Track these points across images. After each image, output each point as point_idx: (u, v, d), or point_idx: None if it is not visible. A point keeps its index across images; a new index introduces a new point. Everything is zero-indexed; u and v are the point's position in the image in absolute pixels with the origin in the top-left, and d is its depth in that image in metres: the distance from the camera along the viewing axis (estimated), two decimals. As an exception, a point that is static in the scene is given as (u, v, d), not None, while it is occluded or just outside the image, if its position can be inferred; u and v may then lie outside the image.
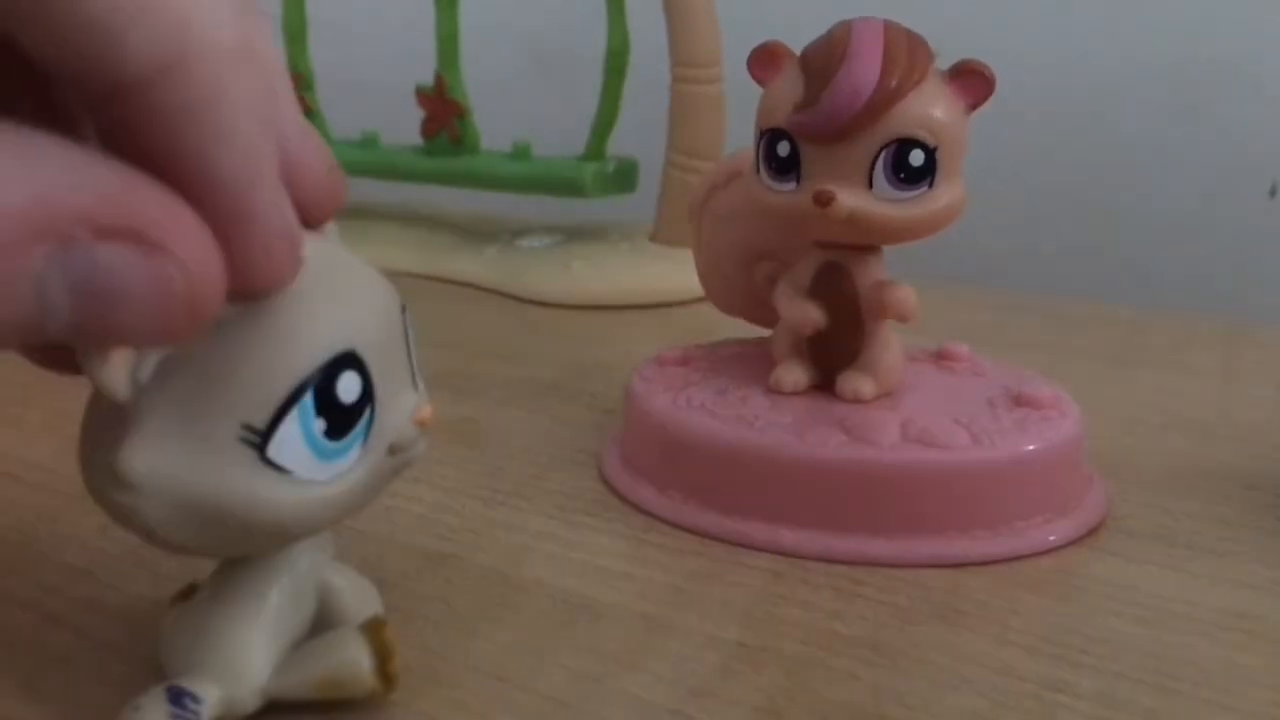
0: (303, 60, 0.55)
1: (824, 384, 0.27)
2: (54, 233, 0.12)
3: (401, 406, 0.17)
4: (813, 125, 0.24)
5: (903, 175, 0.24)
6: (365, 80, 0.67)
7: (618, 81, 0.49)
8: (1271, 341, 0.43)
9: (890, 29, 0.24)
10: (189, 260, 0.13)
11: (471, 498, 0.27)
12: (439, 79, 0.52)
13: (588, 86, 0.50)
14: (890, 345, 0.26)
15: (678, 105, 0.47)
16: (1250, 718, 0.19)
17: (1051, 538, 0.24)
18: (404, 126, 0.54)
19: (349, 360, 0.16)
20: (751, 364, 0.28)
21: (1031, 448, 0.24)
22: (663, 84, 0.47)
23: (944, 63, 0.24)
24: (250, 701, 0.17)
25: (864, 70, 0.23)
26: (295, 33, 0.55)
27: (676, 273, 0.45)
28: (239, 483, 0.15)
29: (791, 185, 0.25)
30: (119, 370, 0.14)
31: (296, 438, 0.15)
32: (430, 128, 0.53)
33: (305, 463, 0.16)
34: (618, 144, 0.51)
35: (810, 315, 0.26)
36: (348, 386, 0.16)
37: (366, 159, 0.54)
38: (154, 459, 0.15)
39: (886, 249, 0.26)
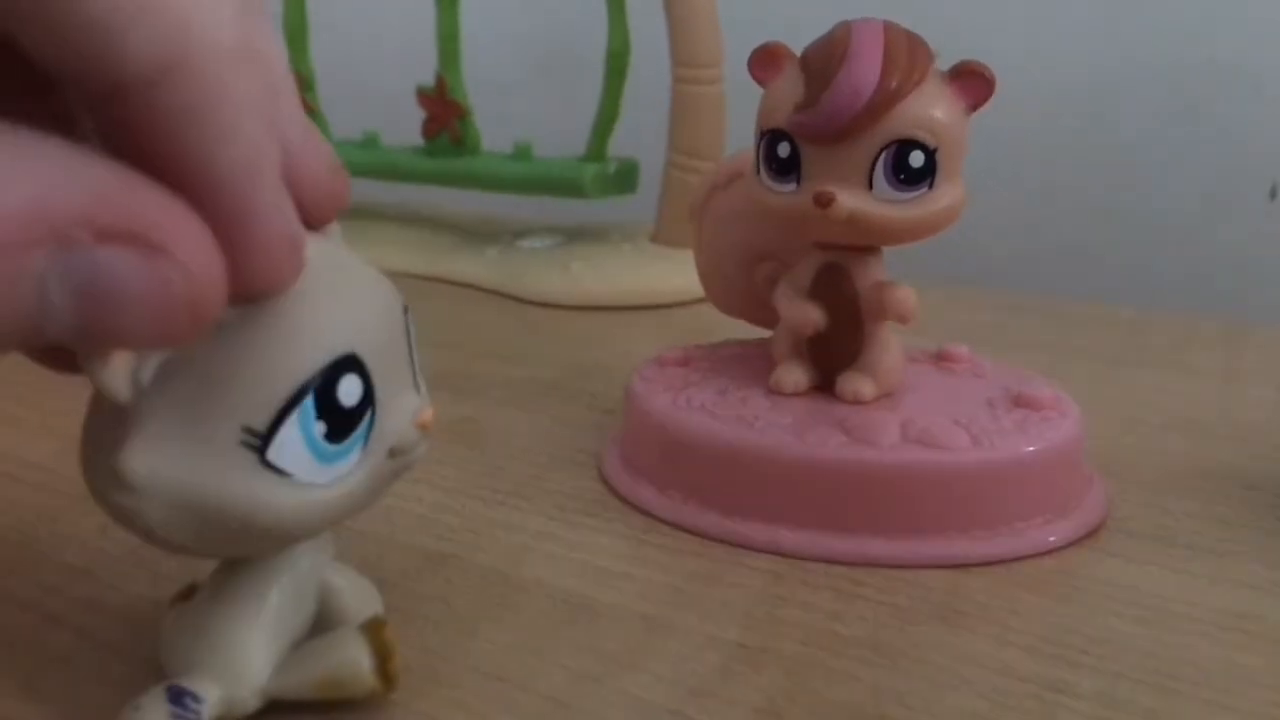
0: (303, 61, 0.55)
1: (824, 385, 0.27)
2: (55, 235, 0.12)
3: (403, 409, 0.17)
4: (813, 126, 0.24)
5: (903, 176, 0.24)
6: (366, 81, 0.67)
7: (618, 82, 0.49)
8: (1271, 342, 0.43)
9: (890, 30, 0.24)
10: (190, 262, 0.13)
11: (472, 498, 0.27)
12: (440, 79, 0.52)
13: (588, 87, 0.50)
14: (890, 346, 0.26)
15: (678, 106, 0.47)
16: (1250, 718, 0.19)
17: (1051, 538, 0.24)
18: (405, 127, 0.54)
19: (350, 363, 0.16)
20: (752, 365, 0.28)
21: (1031, 448, 0.24)
22: (663, 85, 0.47)
23: (944, 63, 0.24)
24: (250, 701, 0.17)
25: (864, 71, 0.23)
26: (296, 33, 0.55)
27: (677, 273, 0.46)
28: (239, 485, 0.15)
29: (792, 186, 0.25)
30: (120, 372, 0.14)
31: (297, 441, 0.15)
32: (431, 128, 0.53)
33: (305, 466, 0.16)
34: (618, 145, 0.51)
35: (810, 316, 0.26)
36: (349, 390, 0.16)
37: (367, 159, 0.54)
38: (154, 461, 0.15)
39: (886, 250, 0.26)
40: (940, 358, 0.29)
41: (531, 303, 0.48)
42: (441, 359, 0.38)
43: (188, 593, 0.18)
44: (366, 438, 0.16)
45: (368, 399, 0.16)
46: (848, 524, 0.24)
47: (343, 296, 0.16)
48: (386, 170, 0.54)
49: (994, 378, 0.28)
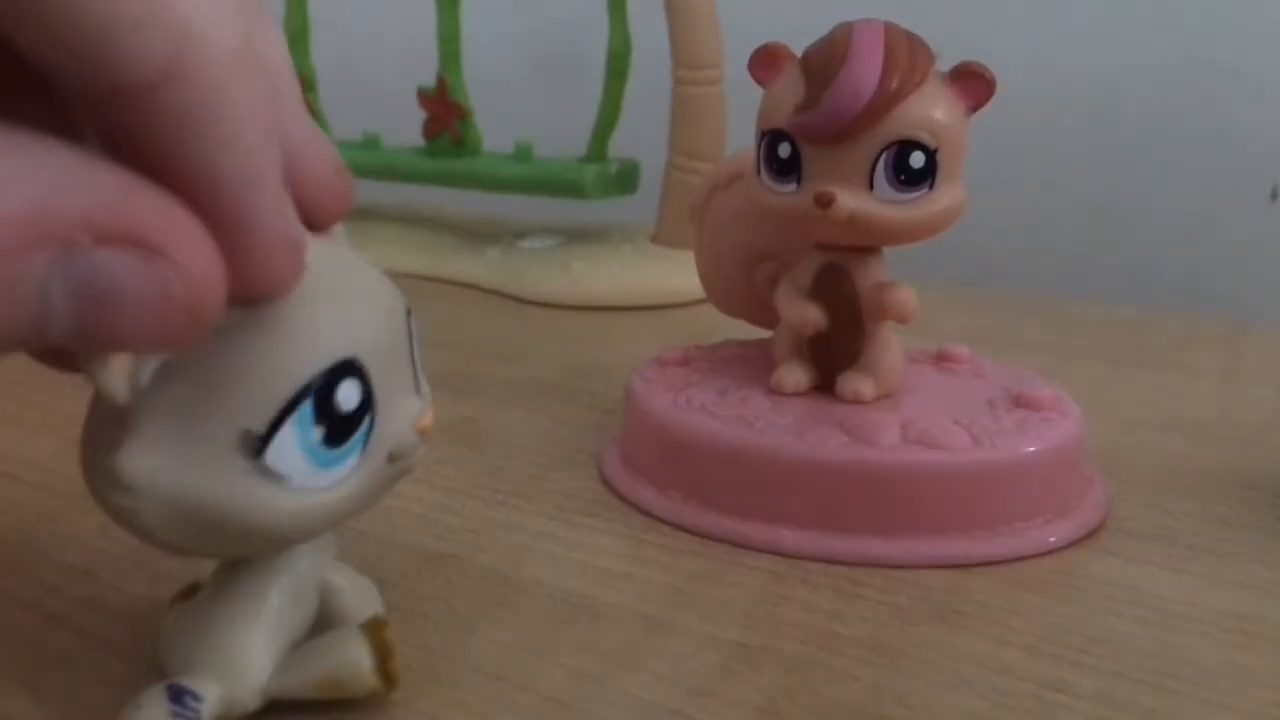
0: (305, 62, 0.55)
1: (824, 385, 0.27)
2: (56, 238, 0.12)
3: (403, 413, 0.17)
4: (814, 126, 0.24)
5: (903, 177, 0.24)
6: (367, 81, 0.67)
7: (619, 83, 0.49)
8: (1271, 342, 0.43)
9: (891, 31, 0.24)
10: (189, 265, 0.13)
11: (472, 498, 0.27)
12: (441, 80, 0.52)
13: (589, 88, 0.50)
14: (890, 346, 0.26)
15: (679, 107, 0.47)
16: (1250, 718, 0.19)
17: (1052, 538, 0.24)
18: (406, 128, 0.54)
19: (349, 368, 0.16)
20: (752, 365, 0.28)
21: (1032, 448, 0.24)
22: (664, 85, 0.47)
23: (945, 64, 0.24)
24: (250, 701, 0.17)
25: (865, 72, 0.23)
26: (297, 34, 0.55)
27: (677, 274, 0.46)
28: (235, 489, 0.15)
29: (792, 186, 0.25)
30: (118, 373, 0.14)
31: (293, 445, 0.15)
32: (432, 129, 0.53)
33: (302, 470, 0.15)
34: (619, 145, 0.51)
35: (811, 316, 0.26)
36: (347, 395, 0.16)
37: (368, 160, 0.54)
38: (151, 463, 0.15)
39: (887, 250, 0.26)
40: (941, 358, 0.29)
41: (532, 303, 0.48)
42: (442, 359, 0.38)
43: (188, 592, 0.18)
44: (365, 442, 0.16)
45: (367, 403, 0.16)
46: (848, 524, 0.24)
47: (343, 300, 0.16)
48: (387, 171, 0.54)
49: (994, 378, 0.28)
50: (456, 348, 0.40)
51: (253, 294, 0.14)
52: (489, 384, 0.36)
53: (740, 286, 0.31)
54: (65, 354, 0.15)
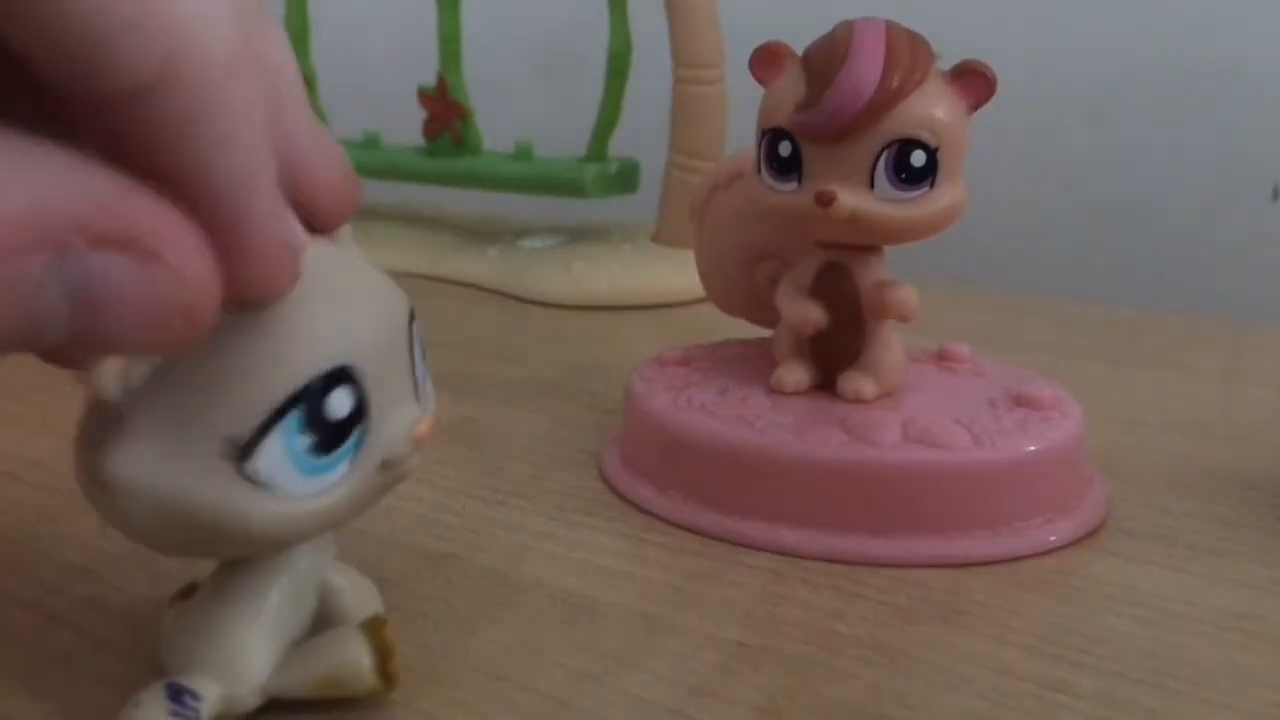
0: (305, 62, 0.55)
1: (825, 384, 0.27)
2: (52, 240, 0.12)
3: (399, 420, 0.17)
4: (814, 125, 0.24)
5: (904, 175, 0.24)
6: (367, 81, 0.67)
7: (620, 82, 0.49)
8: (1272, 342, 0.43)
9: (892, 29, 0.24)
10: (184, 269, 0.13)
11: (472, 497, 0.27)
12: (441, 80, 0.52)
13: (590, 87, 0.50)
14: (891, 345, 0.26)
15: (679, 106, 0.47)
16: (1251, 718, 0.19)
17: (1052, 538, 0.24)
18: (406, 127, 0.54)
19: (342, 376, 0.15)
20: (752, 364, 0.28)
21: (1032, 448, 0.24)
22: (665, 85, 0.47)
23: (945, 63, 0.24)
24: (250, 700, 0.17)
25: (866, 70, 0.23)
26: (298, 34, 0.55)
27: (678, 273, 0.46)
28: (219, 494, 0.15)
29: (793, 185, 0.25)
30: (111, 372, 0.14)
31: (279, 453, 0.15)
32: (432, 128, 0.53)
33: (287, 477, 0.15)
34: (619, 145, 0.51)
35: (811, 315, 0.26)
36: (339, 403, 0.15)
37: (368, 159, 0.54)
38: (136, 464, 0.15)
39: (888, 249, 0.26)
40: (941, 357, 0.29)
41: (532, 302, 0.48)
42: (442, 359, 0.37)
43: (188, 591, 0.18)
44: (357, 450, 0.16)
45: (360, 412, 0.16)
46: (848, 523, 0.24)
47: (340, 306, 0.16)
48: (388, 170, 0.54)
49: (995, 377, 0.28)
50: (456, 347, 0.40)
51: (247, 298, 0.14)
52: (489, 383, 0.36)
53: (741, 286, 0.31)
54: (64, 351, 0.15)
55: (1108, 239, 0.60)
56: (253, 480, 0.15)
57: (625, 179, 0.51)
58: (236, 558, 0.17)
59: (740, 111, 0.42)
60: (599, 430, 0.31)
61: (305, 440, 0.15)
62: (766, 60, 0.25)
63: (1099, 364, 0.40)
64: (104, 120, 0.12)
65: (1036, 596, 0.22)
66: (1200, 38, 0.56)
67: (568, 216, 0.55)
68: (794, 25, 0.29)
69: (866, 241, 0.26)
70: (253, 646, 0.17)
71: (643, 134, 0.50)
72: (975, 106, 0.24)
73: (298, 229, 0.15)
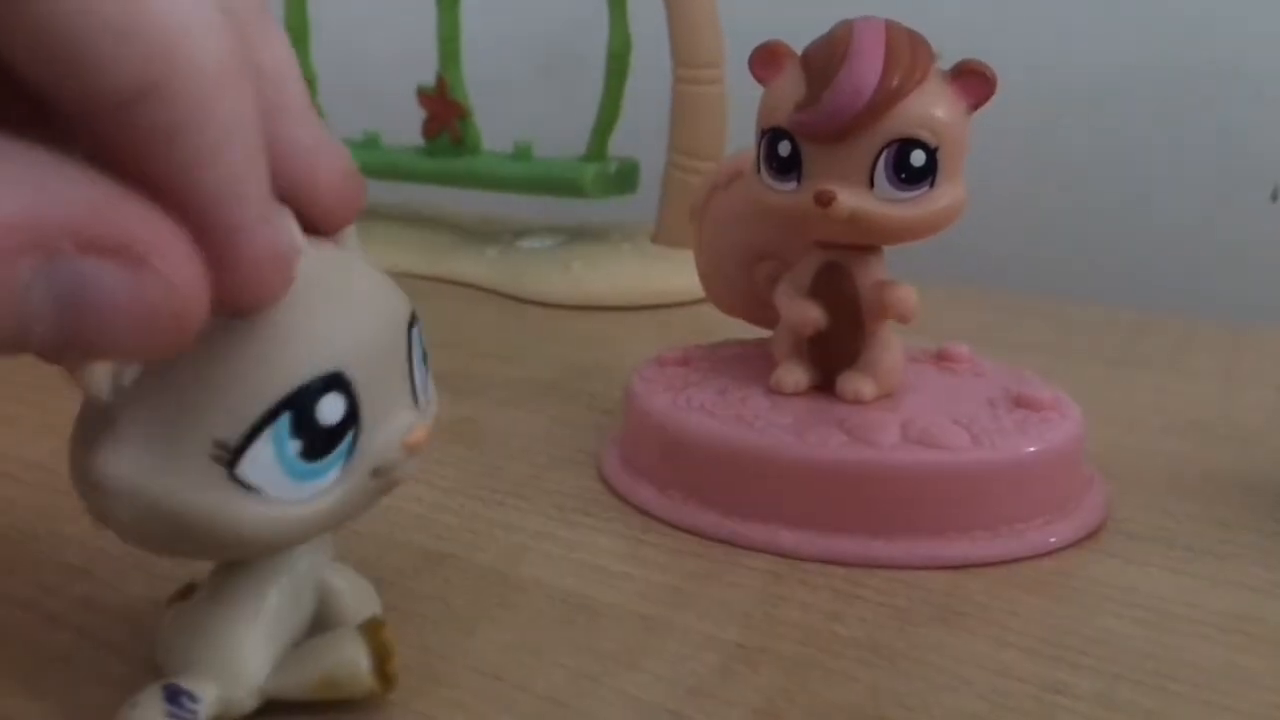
0: (305, 62, 0.55)
1: (824, 384, 0.27)
2: (41, 245, 0.12)
3: (394, 426, 0.17)
4: (814, 124, 0.24)
5: (904, 175, 0.24)
6: (367, 81, 0.67)
7: (619, 82, 0.49)
8: (1271, 344, 0.43)
9: (892, 29, 0.24)
10: (172, 275, 0.13)
11: (470, 497, 0.27)
12: (440, 79, 0.52)
13: (589, 87, 0.50)
14: (891, 346, 0.26)
15: (679, 106, 0.47)
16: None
17: (1051, 539, 0.24)
18: (405, 127, 0.54)
19: (333, 382, 0.15)
20: (752, 364, 0.28)
21: (1032, 449, 0.24)
22: (664, 85, 0.47)
23: (945, 63, 0.24)
24: (247, 701, 0.17)
25: (865, 70, 0.23)
26: (297, 34, 0.55)
27: (677, 273, 0.46)
28: (207, 497, 0.15)
29: (792, 185, 0.25)
30: (101, 372, 0.14)
31: (269, 457, 0.15)
32: (432, 128, 0.53)
33: (277, 482, 0.15)
34: (619, 144, 0.51)
35: (811, 315, 0.26)
36: (330, 409, 0.15)
37: (368, 159, 0.54)
38: (125, 465, 0.15)
39: (887, 249, 0.26)
40: (941, 358, 0.29)
41: (531, 303, 0.48)
42: (441, 359, 0.37)
43: (186, 592, 0.18)
44: (349, 456, 0.16)
45: (352, 417, 0.16)
46: (847, 524, 0.24)
47: (334, 311, 0.16)
48: (387, 170, 0.54)
49: (994, 378, 0.28)
50: (456, 347, 0.40)
51: (238, 304, 0.14)
52: (488, 384, 0.36)
53: (740, 286, 0.31)
54: (53, 352, 0.16)
55: (1107, 239, 0.60)
56: (242, 483, 0.15)
57: (625, 179, 0.51)
58: (238, 559, 0.17)
59: (740, 111, 0.42)
60: (598, 430, 0.31)
61: (296, 445, 0.15)
62: (766, 60, 0.25)
63: (1099, 365, 0.40)
64: (92, 127, 0.12)
65: (1036, 598, 0.22)
66: (1200, 38, 0.56)
67: (567, 216, 0.54)
68: (793, 25, 0.29)
69: (866, 241, 0.26)
70: (250, 648, 0.17)
71: (642, 134, 0.50)
72: (975, 106, 0.24)
73: (294, 233, 0.15)
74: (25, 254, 0.12)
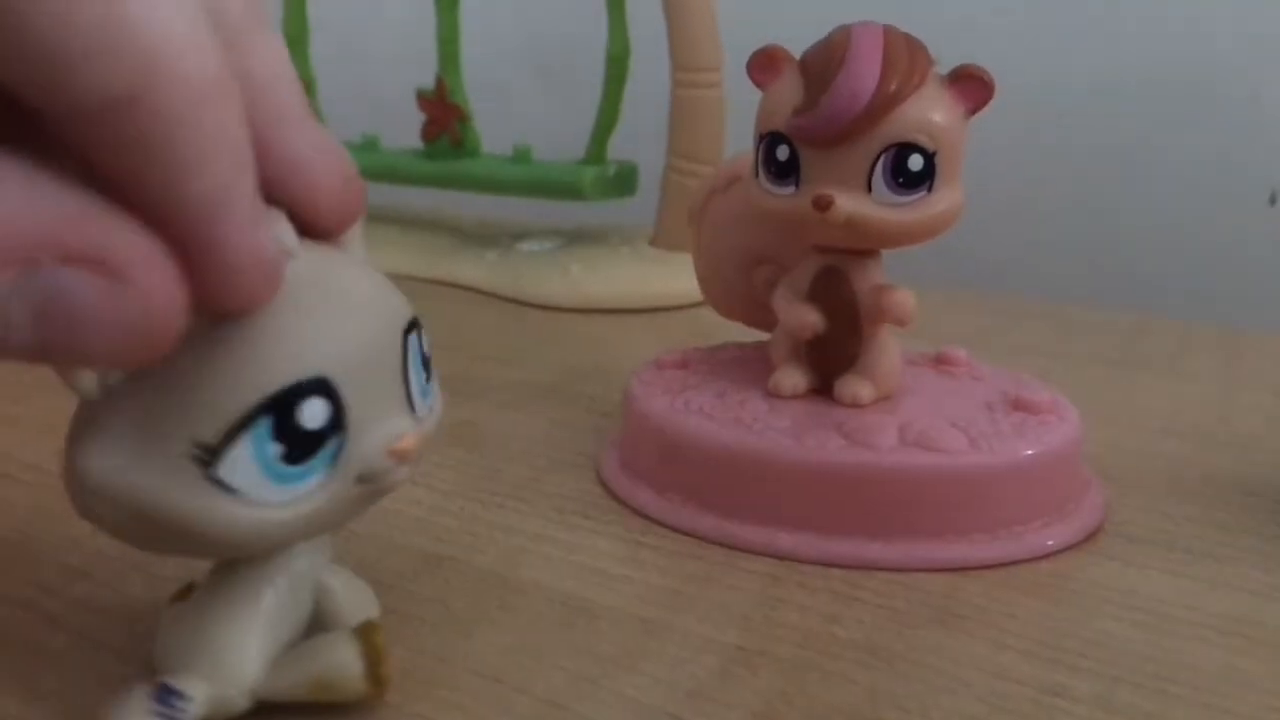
0: (304, 64, 0.55)
1: (822, 388, 0.27)
2: (19, 256, 0.12)
3: (383, 434, 0.16)
4: (812, 129, 0.24)
5: (901, 179, 0.24)
6: (366, 84, 0.67)
7: (618, 86, 0.49)
8: (1270, 348, 0.43)
9: (889, 33, 0.24)
10: (149, 288, 0.13)
11: (469, 500, 0.27)
12: (440, 82, 0.52)
13: (588, 90, 0.50)
14: (888, 349, 0.26)
15: (678, 109, 0.47)
16: (1248, 722, 0.19)
17: (1050, 542, 0.24)
18: (404, 130, 0.54)
19: (317, 386, 0.15)
20: (750, 367, 0.28)
21: (1030, 452, 0.24)
22: (663, 88, 0.47)
23: (943, 67, 0.24)
24: (239, 701, 0.17)
25: (863, 74, 0.23)
26: (296, 37, 0.55)
27: (676, 277, 0.46)
28: (186, 497, 0.15)
29: (790, 189, 0.25)
30: (87, 371, 0.14)
31: (248, 459, 0.15)
32: (431, 131, 0.53)
33: (256, 484, 0.15)
34: (618, 148, 0.51)
35: (809, 319, 0.26)
36: (312, 413, 0.15)
37: (367, 162, 0.54)
38: (107, 463, 0.15)
39: (885, 253, 0.26)
40: (939, 361, 0.29)
41: (530, 305, 0.48)
42: (440, 361, 0.37)
43: (186, 592, 0.18)
44: (334, 461, 0.16)
45: (336, 423, 0.16)
46: (846, 527, 0.24)
47: (322, 316, 0.16)
48: (386, 173, 0.54)
49: (992, 381, 0.28)
50: (455, 350, 0.40)
51: (221, 310, 0.14)
52: (487, 386, 0.36)
53: (738, 289, 0.31)
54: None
55: (1106, 242, 0.60)
56: (221, 484, 0.15)
57: (623, 182, 0.51)
58: (226, 559, 0.17)
59: (738, 115, 0.42)
60: (597, 433, 0.31)
61: (276, 448, 0.15)
62: (764, 64, 0.25)
63: (1097, 368, 0.40)
64: (76, 138, 0.13)
65: (1034, 600, 0.22)
66: (1200, 40, 0.56)
67: (566, 219, 0.55)
68: (792, 29, 0.29)
69: (864, 245, 0.26)
70: (245, 647, 0.17)
71: (641, 137, 0.50)
72: (973, 111, 0.24)
73: (283, 237, 0.15)
74: (4, 266, 0.12)
